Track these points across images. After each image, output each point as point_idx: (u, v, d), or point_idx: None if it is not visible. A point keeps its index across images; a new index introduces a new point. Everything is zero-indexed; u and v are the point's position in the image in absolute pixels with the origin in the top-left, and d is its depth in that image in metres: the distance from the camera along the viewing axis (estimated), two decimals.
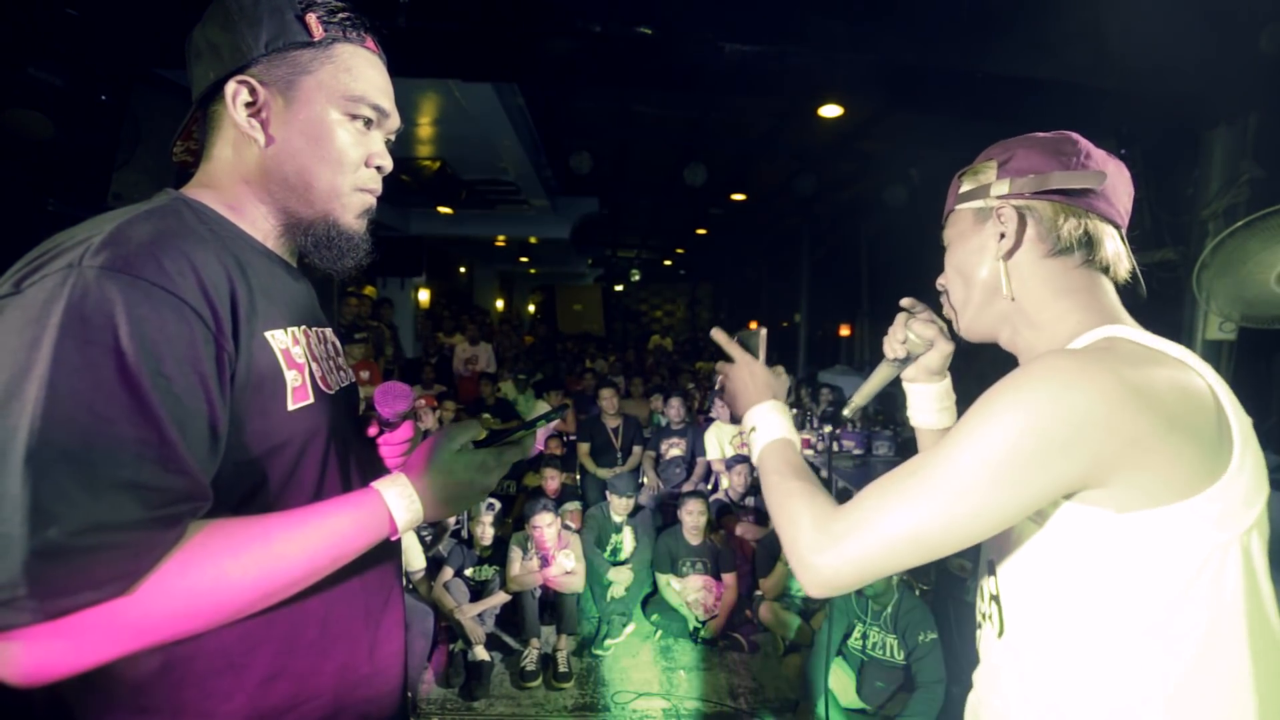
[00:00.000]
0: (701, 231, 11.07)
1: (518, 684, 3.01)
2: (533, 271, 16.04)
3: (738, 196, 8.00)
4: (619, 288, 18.43)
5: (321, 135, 0.76)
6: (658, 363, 10.02)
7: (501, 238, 9.16)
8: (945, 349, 0.97)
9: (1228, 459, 0.64)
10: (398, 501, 0.73)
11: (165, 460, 0.58)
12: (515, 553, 3.32)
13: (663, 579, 3.56)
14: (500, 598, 3.27)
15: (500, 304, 15.34)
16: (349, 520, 0.71)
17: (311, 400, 0.76)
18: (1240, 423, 0.66)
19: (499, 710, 2.85)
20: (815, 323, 9.41)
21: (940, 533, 0.66)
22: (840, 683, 2.70)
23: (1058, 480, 0.64)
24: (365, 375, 4.97)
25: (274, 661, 0.72)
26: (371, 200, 0.84)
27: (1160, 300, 2.89)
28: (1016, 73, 2.65)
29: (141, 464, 0.57)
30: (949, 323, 0.93)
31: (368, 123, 0.80)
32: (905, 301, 1.00)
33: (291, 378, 0.73)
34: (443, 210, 7.98)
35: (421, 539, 3.32)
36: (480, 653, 3.06)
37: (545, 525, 3.27)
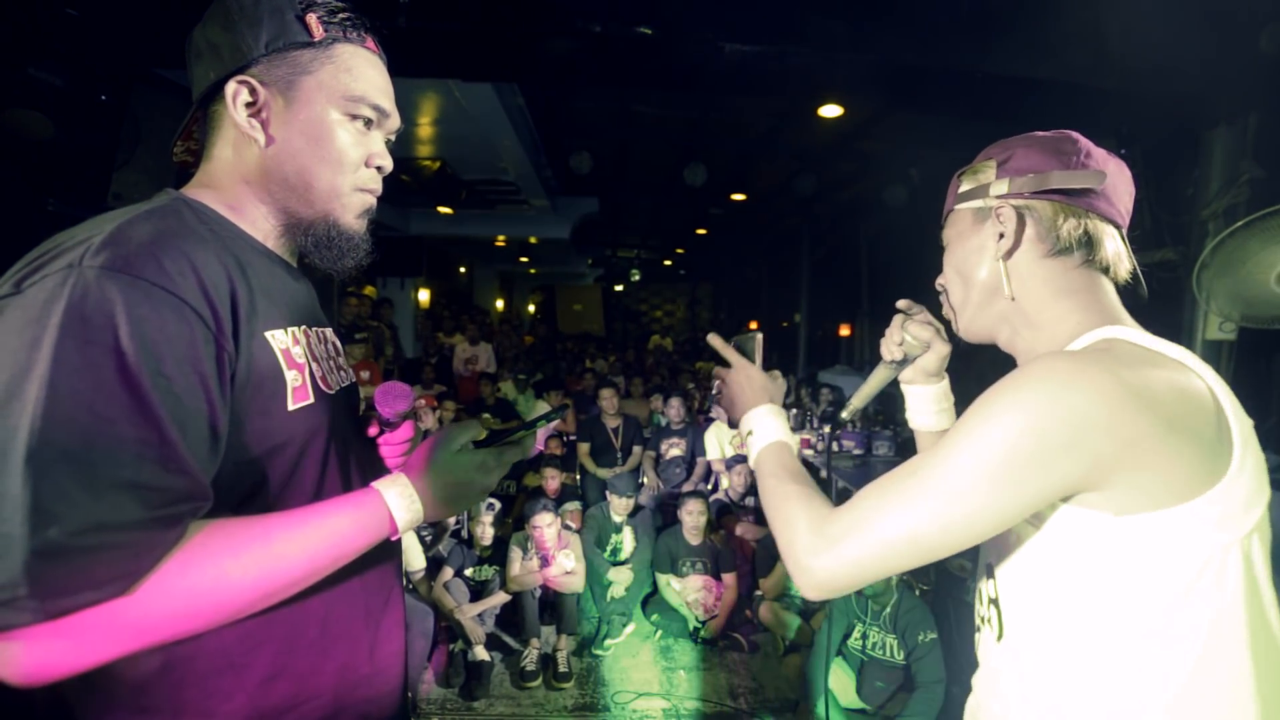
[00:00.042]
0: (701, 231, 11.07)
1: (518, 684, 3.01)
2: (533, 271, 16.04)
3: (738, 196, 7.99)
4: (619, 288, 18.43)
5: (322, 135, 0.76)
6: (658, 363, 10.01)
7: (501, 238, 9.16)
8: (942, 350, 0.97)
9: (1227, 461, 0.63)
10: (398, 501, 0.73)
11: (165, 460, 0.58)
12: (515, 553, 3.32)
13: (663, 579, 3.56)
14: (500, 598, 3.27)
15: (500, 304, 15.34)
16: (349, 520, 0.71)
17: (312, 400, 0.76)
18: (1240, 425, 0.65)
19: (499, 710, 2.85)
20: (815, 323, 9.41)
21: (937, 535, 0.65)
22: (840, 683, 2.70)
23: (1056, 482, 0.63)
24: (365, 375, 4.98)
25: (274, 661, 0.72)
26: (372, 200, 0.84)
27: (1160, 300, 2.89)
28: (1016, 73, 2.65)
29: (142, 464, 0.57)
30: (946, 324, 0.92)
31: (368, 123, 0.80)
32: (902, 303, 1.00)
33: (292, 378, 0.73)
34: (443, 210, 7.98)
35: (421, 539, 3.32)
36: (480, 653, 3.06)
37: (545, 525, 3.27)
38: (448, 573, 3.25)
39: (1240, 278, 2.35)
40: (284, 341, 0.73)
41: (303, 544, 0.67)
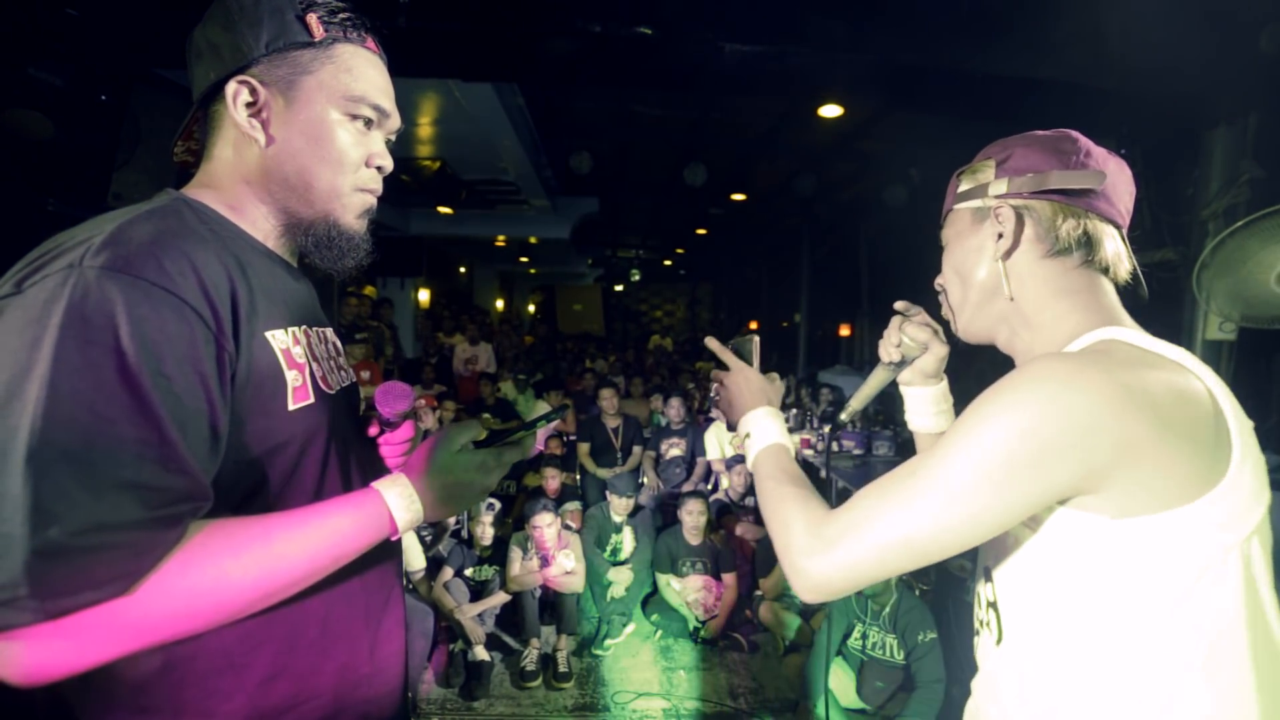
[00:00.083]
0: (701, 231, 11.07)
1: (518, 684, 3.01)
2: (533, 271, 16.04)
3: (738, 196, 8.00)
4: (619, 288, 18.44)
5: (322, 135, 0.76)
6: (658, 363, 10.01)
7: (501, 238, 9.16)
8: (940, 352, 0.97)
9: (1226, 464, 0.62)
10: (398, 502, 0.73)
11: (166, 460, 0.58)
12: (515, 553, 3.32)
13: (663, 579, 3.57)
14: (500, 598, 3.27)
15: (500, 304, 15.34)
16: (349, 520, 0.71)
17: (312, 400, 0.76)
18: (1240, 427, 0.65)
19: (499, 710, 2.85)
20: (815, 323, 9.42)
21: (932, 538, 0.65)
22: (840, 683, 2.70)
23: (1052, 484, 0.63)
24: (366, 375, 4.98)
25: (274, 661, 0.72)
26: (372, 200, 0.84)
27: (1160, 300, 2.89)
28: (1016, 73, 2.65)
29: (142, 464, 0.57)
30: (944, 325, 0.92)
31: (368, 123, 0.80)
32: (899, 304, 0.99)
33: (292, 377, 0.73)
34: (443, 210, 7.98)
35: (421, 539, 3.32)
36: (480, 653, 3.06)
37: (545, 525, 3.27)
38: (448, 573, 3.25)
39: (1240, 278, 2.36)
40: (284, 341, 0.73)
41: (303, 544, 0.67)
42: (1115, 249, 0.77)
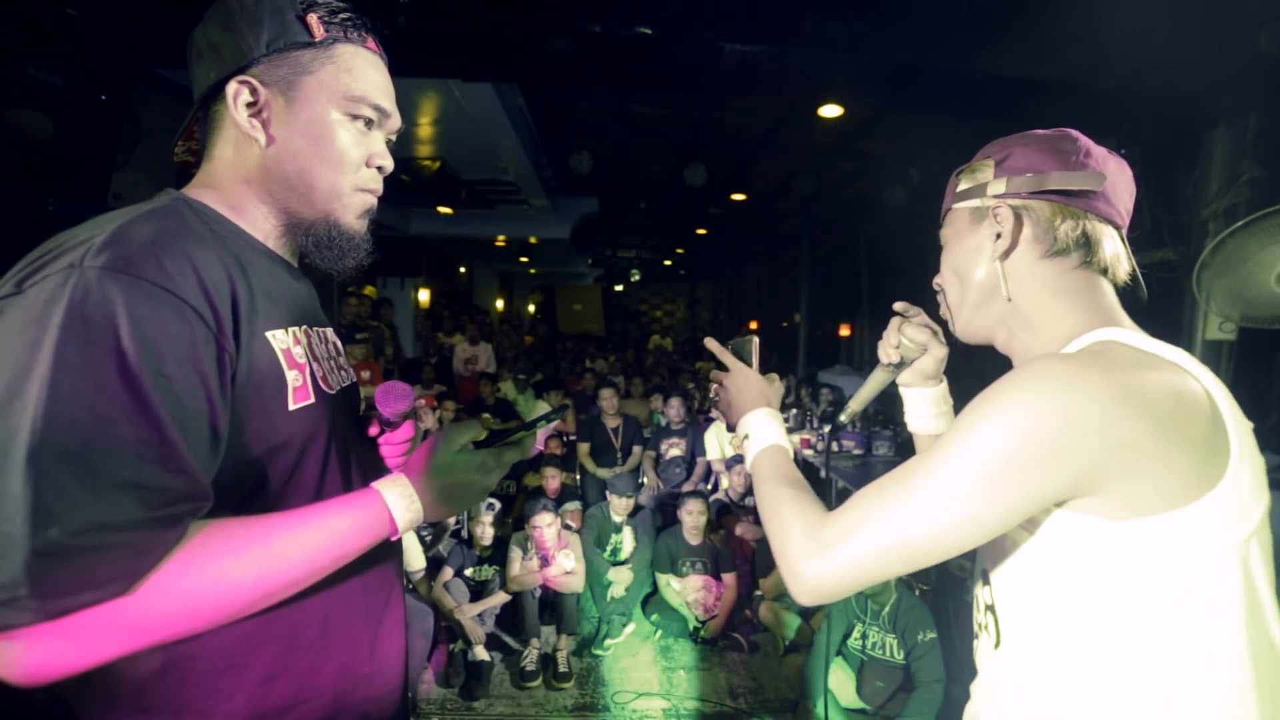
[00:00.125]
0: (701, 231, 11.06)
1: (518, 684, 3.01)
2: (533, 271, 16.04)
3: (738, 196, 8.00)
4: (619, 288, 18.44)
5: (322, 135, 0.76)
6: (657, 363, 10.01)
7: (501, 238, 9.15)
8: (939, 353, 0.96)
9: (1224, 466, 0.62)
10: (398, 502, 0.73)
11: (166, 460, 0.58)
12: (515, 553, 3.32)
13: (662, 579, 3.57)
14: (500, 598, 3.27)
15: (500, 304, 15.34)
16: (349, 520, 0.71)
17: (312, 400, 0.76)
18: (1238, 429, 0.64)
19: (499, 710, 2.85)
20: (815, 323, 9.40)
21: (928, 541, 0.64)
22: (840, 682, 2.70)
23: (1049, 486, 0.62)
24: (366, 375, 4.98)
25: (274, 661, 0.72)
26: (372, 200, 0.84)
27: (1160, 300, 2.89)
28: (1016, 72, 2.65)
29: (142, 464, 0.57)
30: (943, 326, 0.91)
31: (369, 123, 0.80)
32: (898, 305, 0.99)
33: (292, 378, 0.73)
34: (443, 210, 7.98)
35: (421, 539, 3.32)
36: (480, 653, 3.06)
37: (545, 525, 3.27)
38: (448, 573, 3.25)
39: (1240, 278, 2.36)
40: (284, 341, 0.74)
41: (303, 544, 0.67)
42: (1114, 250, 0.76)
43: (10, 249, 0.68)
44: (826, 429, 4.93)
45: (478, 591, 3.30)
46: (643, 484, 4.62)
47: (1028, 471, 0.61)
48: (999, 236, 0.77)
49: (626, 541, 3.73)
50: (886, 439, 4.53)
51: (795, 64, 2.71)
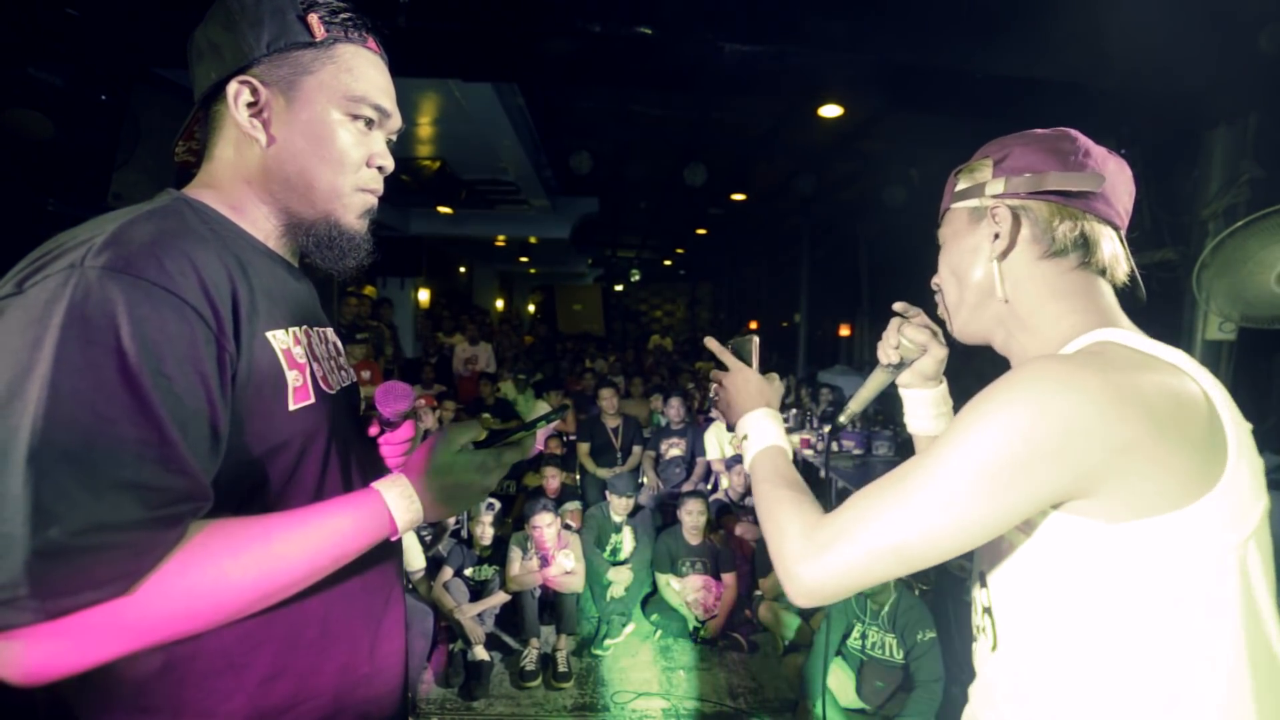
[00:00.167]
0: (701, 231, 11.06)
1: (517, 684, 3.02)
2: (532, 271, 16.04)
3: (737, 196, 8.00)
4: (619, 288, 18.44)
5: (323, 135, 0.76)
6: (657, 363, 10.01)
7: (501, 238, 9.16)
8: (939, 354, 0.96)
9: (1221, 468, 0.61)
10: (398, 502, 0.73)
11: (166, 460, 0.58)
12: (515, 552, 3.32)
13: (662, 579, 3.57)
14: (500, 598, 3.27)
15: (500, 304, 15.34)
16: (349, 520, 0.71)
17: (312, 400, 0.76)
18: (1236, 430, 0.64)
19: (498, 710, 2.85)
20: (815, 322, 9.41)
21: (924, 543, 0.64)
22: (839, 682, 2.70)
23: (1046, 488, 0.62)
24: (366, 375, 4.98)
25: (274, 661, 0.72)
26: (373, 200, 0.84)
27: (1160, 300, 2.89)
28: (1016, 73, 2.65)
29: (142, 464, 0.57)
30: (943, 326, 0.91)
31: (369, 123, 0.80)
32: (898, 306, 0.98)
33: (293, 378, 0.73)
34: (443, 210, 7.98)
35: (421, 539, 3.32)
36: (480, 653, 3.06)
37: (545, 525, 3.27)
38: (447, 572, 3.25)
39: (1240, 278, 2.36)
40: (285, 341, 0.74)
41: (303, 544, 0.67)
42: (1113, 250, 0.76)
43: (10, 249, 0.68)
44: (826, 429, 4.93)
45: (477, 591, 3.30)
46: (642, 484, 4.62)
47: (1026, 473, 0.61)
48: (997, 237, 0.77)
49: (626, 541, 3.73)
50: (886, 439, 4.54)
51: (795, 64, 2.71)
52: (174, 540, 0.60)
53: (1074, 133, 0.77)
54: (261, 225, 0.79)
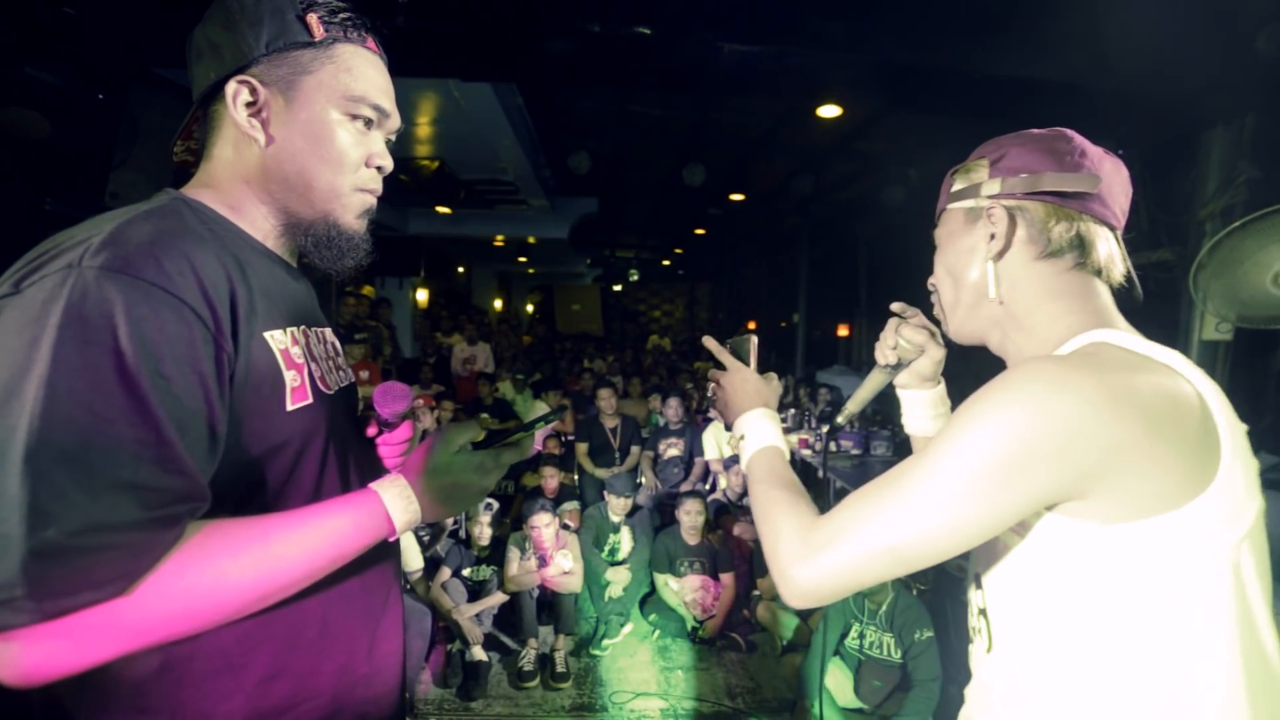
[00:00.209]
0: (700, 231, 11.07)
1: (515, 684, 3.01)
2: (531, 271, 16.04)
3: (737, 196, 8.00)
4: (617, 288, 18.44)
5: (322, 135, 0.76)
6: (656, 363, 10.01)
7: (500, 238, 9.15)
8: (937, 354, 0.95)
9: (1215, 469, 0.61)
10: (396, 502, 0.73)
11: (164, 460, 0.58)
12: (513, 553, 3.32)
13: (660, 579, 3.57)
14: (498, 598, 3.27)
15: (498, 304, 15.34)
16: (347, 521, 0.71)
17: (310, 400, 0.76)
18: (1231, 432, 0.64)
19: (496, 710, 2.85)
20: (813, 323, 9.42)
21: (918, 544, 0.64)
22: (837, 682, 2.71)
23: (1040, 490, 0.62)
24: (364, 375, 4.97)
25: (273, 662, 0.72)
26: (372, 200, 0.84)
27: (1157, 300, 2.90)
28: (1015, 73, 2.66)
29: (140, 464, 0.57)
30: (940, 326, 0.91)
31: (368, 123, 0.80)
32: (896, 306, 0.98)
33: (290, 378, 0.73)
34: (441, 210, 7.97)
35: (419, 539, 3.32)
36: (478, 653, 3.06)
37: (543, 525, 3.27)
38: (445, 573, 3.25)
39: (1237, 278, 2.36)
40: (283, 341, 0.73)
41: (301, 545, 0.67)
42: (1109, 251, 0.76)
43: (8, 249, 0.68)
44: (824, 429, 4.93)
45: (475, 592, 3.30)
46: (641, 484, 4.62)
47: (1022, 473, 0.61)
48: (993, 237, 0.77)
49: (624, 541, 3.73)
50: (884, 439, 4.54)
51: (795, 64, 2.72)
52: (172, 541, 0.60)
53: (1070, 133, 0.77)
54: (260, 225, 0.79)
